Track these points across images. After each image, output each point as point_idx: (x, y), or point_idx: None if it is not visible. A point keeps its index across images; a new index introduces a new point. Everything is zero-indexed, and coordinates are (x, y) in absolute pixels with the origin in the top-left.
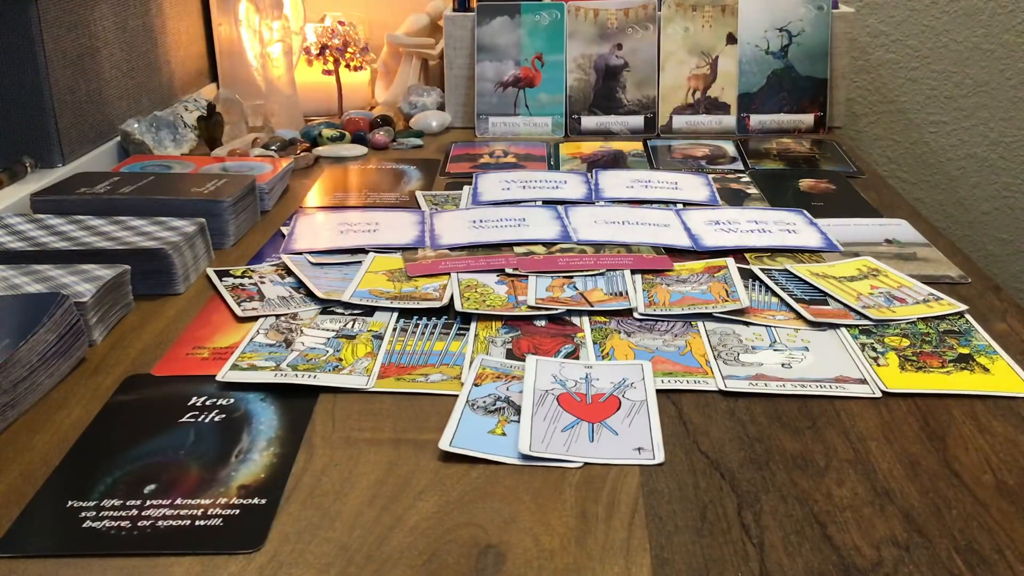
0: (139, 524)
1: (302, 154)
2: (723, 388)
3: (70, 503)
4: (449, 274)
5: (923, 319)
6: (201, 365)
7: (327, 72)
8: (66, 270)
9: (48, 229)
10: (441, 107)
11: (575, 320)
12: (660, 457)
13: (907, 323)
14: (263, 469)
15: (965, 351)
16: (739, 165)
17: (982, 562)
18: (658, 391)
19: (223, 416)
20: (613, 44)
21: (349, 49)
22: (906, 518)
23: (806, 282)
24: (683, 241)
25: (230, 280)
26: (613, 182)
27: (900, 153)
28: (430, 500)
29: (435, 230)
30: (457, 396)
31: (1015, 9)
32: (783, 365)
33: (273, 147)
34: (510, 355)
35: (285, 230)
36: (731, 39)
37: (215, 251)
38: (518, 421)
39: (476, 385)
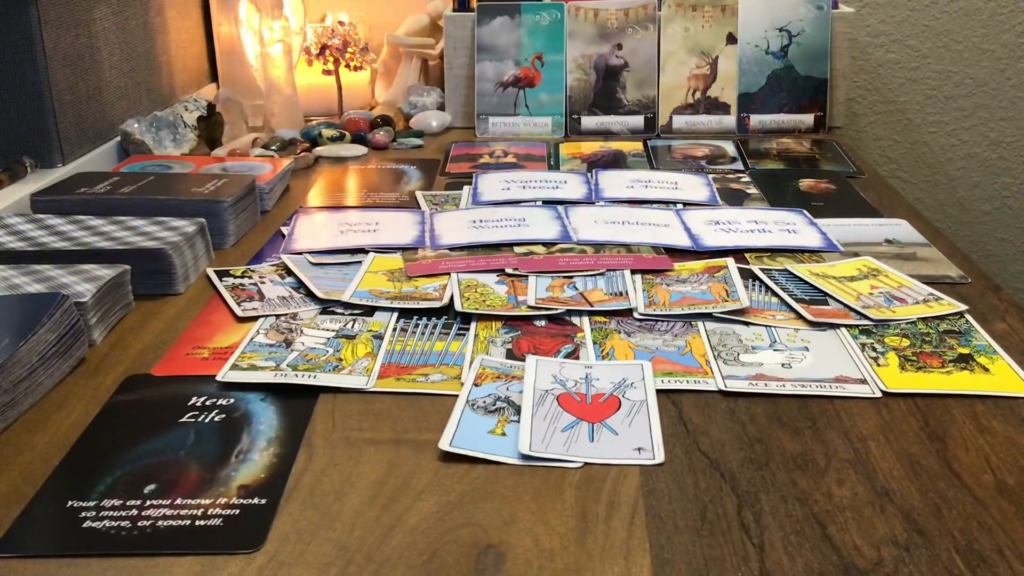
0: (139, 524)
1: (302, 154)
2: (723, 388)
3: (70, 503)
4: (449, 274)
5: (923, 319)
6: (201, 365)
7: (327, 72)
8: (66, 270)
9: (48, 229)
10: (441, 107)
11: (575, 320)
12: (660, 457)
13: (907, 323)
14: (263, 469)
15: (965, 351)
16: (739, 165)
17: (982, 562)
18: (658, 391)
19: (223, 416)
20: (613, 44)
21: (349, 49)
22: (906, 518)
23: (806, 282)
24: (683, 241)
25: (230, 280)
26: (613, 182)
27: (900, 153)
28: (430, 500)
29: (435, 230)
30: (457, 396)
31: (1015, 9)
32: (783, 365)
33: (273, 147)
34: (510, 355)
35: (285, 230)
36: (731, 39)
37: (215, 251)
38: (518, 421)
39: (476, 385)
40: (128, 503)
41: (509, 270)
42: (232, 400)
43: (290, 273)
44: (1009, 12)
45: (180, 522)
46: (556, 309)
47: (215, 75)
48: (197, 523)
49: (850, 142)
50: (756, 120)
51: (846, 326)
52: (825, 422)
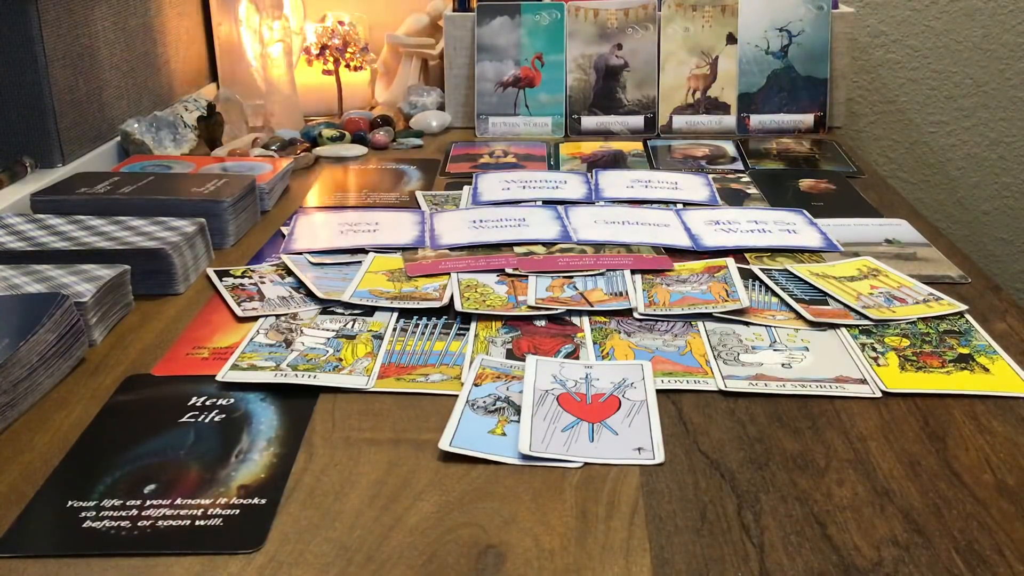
0: (139, 524)
1: (302, 154)
2: (723, 388)
3: (70, 503)
4: (449, 274)
5: (923, 319)
6: (201, 365)
7: (327, 72)
8: (66, 270)
9: (48, 229)
10: (441, 107)
11: (575, 320)
12: (660, 457)
13: (907, 323)
14: (263, 469)
15: (965, 351)
16: (739, 165)
17: (982, 562)
18: (658, 391)
19: (223, 416)
20: (613, 44)
21: (349, 49)
22: (906, 518)
23: (806, 282)
24: (683, 241)
25: (230, 280)
26: (613, 182)
27: (900, 153)
28: (430, 500)
29: (435, 230)
30: (457, 396)
31: (1015, 9)
32: (783, 365)
33: (273, 147)
34: (510, 355)
35: (285, 230)
36: (731, 39)
37: (215, 251)
38: (518, 421)
39: (476, 385)
40: (128, 503)
41: (509, 270)
42: (232, 400)
43: (290, 273)
44: (1009, 12)
45: (180, 522)
46: (556, 309)
47: (215, 75)
48: (197, 523)
49: (850, 142)
50: (756, 120)
51: (846, 326)
52: (825, 422)
